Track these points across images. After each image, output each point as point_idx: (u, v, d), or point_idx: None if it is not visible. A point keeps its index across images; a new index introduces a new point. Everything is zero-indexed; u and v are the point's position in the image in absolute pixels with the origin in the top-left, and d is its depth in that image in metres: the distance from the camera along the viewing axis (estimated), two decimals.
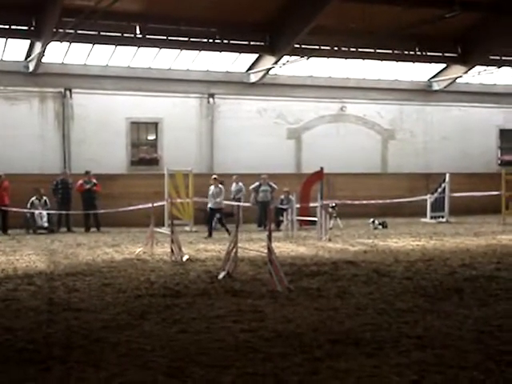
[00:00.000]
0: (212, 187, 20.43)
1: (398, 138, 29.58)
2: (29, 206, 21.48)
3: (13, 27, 22.28)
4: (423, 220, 24.90)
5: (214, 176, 21.10)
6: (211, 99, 26.59)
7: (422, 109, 29.88)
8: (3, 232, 20.87)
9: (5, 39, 22.88)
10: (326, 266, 13.07)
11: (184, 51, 25.09)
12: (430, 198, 25.20)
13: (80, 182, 22.25)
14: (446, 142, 29.83)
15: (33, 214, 21.39)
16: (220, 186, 20.39)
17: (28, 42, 23.22)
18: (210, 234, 19.76)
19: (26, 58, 23.92)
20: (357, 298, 9.75)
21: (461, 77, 28.80)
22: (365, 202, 24.69)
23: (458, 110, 30.26)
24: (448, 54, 27.84)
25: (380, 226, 22.02)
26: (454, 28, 25.24)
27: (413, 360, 6.57)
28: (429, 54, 27.58)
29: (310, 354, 6.80)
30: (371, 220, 22.27)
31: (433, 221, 24.71)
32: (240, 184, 23.40)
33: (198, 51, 25.23)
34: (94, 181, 22.38)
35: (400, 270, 12.62)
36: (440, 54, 27.86)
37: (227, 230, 19.56)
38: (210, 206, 20.33)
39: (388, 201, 25.22)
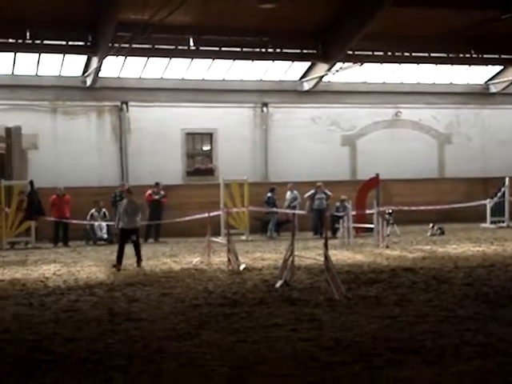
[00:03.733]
0: (124, 200, 15.72)
1: (455, 142, 29.11)
2: (88, 218, 21.89)
3: (70, 43, 22.77)
4: (483, 225, 24.42)
5: (127, 187, 18.06)
6: (265, 108, 26.67)
7: (479, 112, 29.34)
8: (64, 244, 21.32)
9: (62, 55, 23.40)
10: (384, 274, 12.95)
11: (237, 61, 25.25)
12: (489, 203, 24.72)
13: (149, 192, 22.61)
14: (504, 145, 29.20)
15: (92, 225, 21.80)
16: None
17: (85, 57, 23.71)
18: (120, 261, 14.96)
19: (83, 73, 24.43)
20: (416, 306, 9.64)
21: None
22: (422, 207, 24.36)
23: None
24: (505, 55, 27.28)
25: (438, 232, 21.70)
26: (510, 29, 24.73)
27: (475, 368, 6.46)
28: (485, 56, 27.09)
29: (370, 362, 6.75)
30: (431, 225, 21.97)
31: (493, 226, 24.22)
32: (295, 192, 23.38)
33: (250, 61, 25.36)
34: (163, 192, 22.73)
35: (460, 276, 12.42)
36: (497, 56, 27.33)
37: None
38: (121, 225, 15.50)
39: (446, 206, 24.82)
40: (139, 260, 15.32)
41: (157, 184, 22.84)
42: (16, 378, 6.62)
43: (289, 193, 23.42)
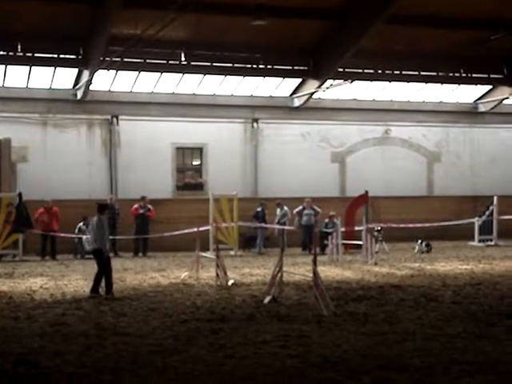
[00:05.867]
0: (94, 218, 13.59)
1: (444, 160, 29.25)
2: (76, 231, 21.80)
3: (61, 56, 22.76)
4: (471, 243, 24.50)
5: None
6: (255, 124, 26.72)
7: (469, 131, 29.51)
8: (52, 257, 21.20)
9: (53, 68, 23.40)
10: (373, 291, 12.96)
11: (228, 77, 25.32)
12: (477, 221, 24.80)
13: (135, 206, 22.51)
14: (493, 164, 29.36)
15: (80, 239, 21.70)
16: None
17: (76, 70, 23.70)
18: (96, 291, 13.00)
19: (74, 86, 24.41)
20: (404, 323, 9.64)
21: (507, 98, 28.41)
22: (411, 225, 24.41)
23: (505, 131, 29.82)
24: (494, 75, 27.51)
25: (425, 248, 21.70)
26: (499, 49, 24.96)
27: None
28: (474, 75, 27.29)
29: (358, 379, 6.73)
30: (419, 241, 21.98)
31: (481, 244, 24.29)
32: (285, 208, 23.37)
33: (242, 77, 25.44)
34: (149, 206, 22.64)
35: (448, 294, 12.44)
36: (486, 76, 27.54)
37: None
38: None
39: (435, 224, 24.88)
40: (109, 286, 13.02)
41: (143, 198, 22.72)
42: None
43: (278, 209, 23.42)
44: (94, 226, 13.26)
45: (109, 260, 13.31)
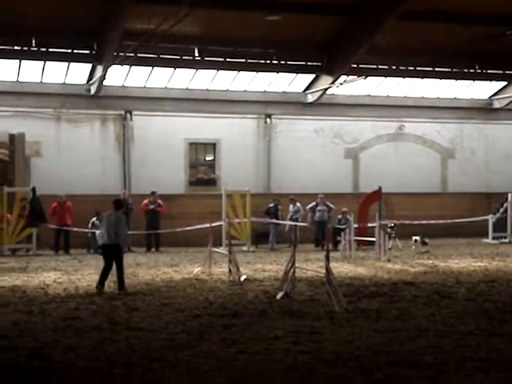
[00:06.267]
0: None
1: (458, 156, 29.11)
2: (90, 226, 21.86)
3: (75, 51, 22.85)
4: (485, 241, 24.36)
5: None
6: (268, 120, 26.70)
7: (483, 127, 29.36)
8: (65, 252, 21.30)
9: (67, 63, 23.48)
10: (385, 287, 12.91)
11: (241, 72, 25.31)
12: (491, 219, 24.66)
13: (145, 201, 22.53)
14: (507, 160, 29.20)
15: (94, 234, 21.75)
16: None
17: (90, 65, 23.77)
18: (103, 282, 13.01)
19: (87, 81, 24.49)
20: (417, 320, 9.59)
21: None
22: (424, 222, 24.30)
23: None
24: (509, 71, 27.31)
25: (423, 249, 20.68)
26: None
27: None
28: (489, 71, 27.14)
29: (370, 376, 6.71)
30: (414, 239, 21.37)
31: (495, 241, 24.15)
32: (298, 204, 23.33)
33: (255, 72, 25.42)
34: (160, 201, 22.64)
35: (462, 291, 12.37)
36: (500, 72, 27.37)
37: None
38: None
39: (448, 221, 24.77)
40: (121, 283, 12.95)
41: (153, 193, 22.71)
42: None
43: (291, 205, 23.39)
44: (112, 222, 13.06)
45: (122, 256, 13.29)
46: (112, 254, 13.08)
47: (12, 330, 9.20)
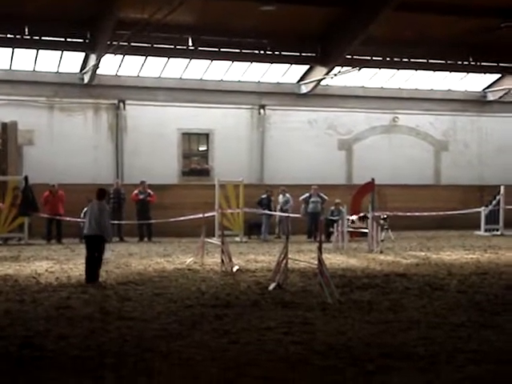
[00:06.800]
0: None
1: (451, 149, 29.14)
2: (82, 215, 21.77)
3: (68, 40, 22.71)
4: (477, 233, 24.44)
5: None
6: (262, 110, 26.65)
7: (477, 119, 29.38)
8: (57, 241, 21.25)
9: (60, 52, 23.34)
10: (378, 279, 12.94)
11: (235, 63, 25.22)
12: (484, 211, 24.74)
13: (135, 192, 22.47)
14: (500, 153, 29.24)
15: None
16: None
17: (83, 54, 23.65)
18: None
19: (80, 70, 24.37)
20: (409, 312, 9.62)
21: None
22: (417, 213, 24.36)
23: None
24: (503, 63, 27.31)
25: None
26: (509, 37, 24.74)
27: (467, 375, 6.46)
28: (483, 63, 27.12)
29: (362, 367, 6.73)
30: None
31: (487, 234, 24.23)
32: (287, 195, 23.34)
33: (249, 63, 25.34)
34: (149, 191, 22.58)
35: (454, 283, 12.42)
36: (495, 64, 27.36)
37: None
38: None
39: (441, 213, 24.83)
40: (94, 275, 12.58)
41: (142, 183, 22.63)
42: (6, 374, 6.58)
43: (281, 196, 23.40)
44: (96, 211, 12.79)
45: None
46: (93, 245, 12.82)
47: (3, 319, 9.19)
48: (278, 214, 23.05)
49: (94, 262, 12.74)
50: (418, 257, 17.09)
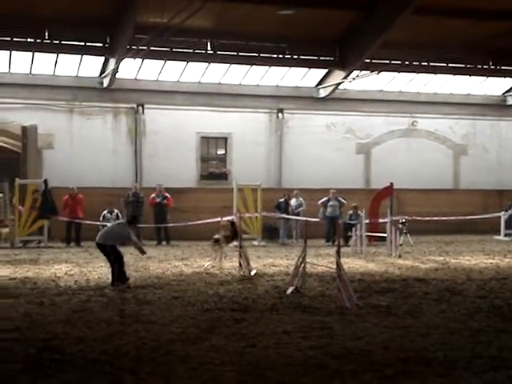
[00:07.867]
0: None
1: (471, 153, 28.97)
2: (101, 218, 21.90)
3: (88, 44, 22.87)
4: (497, 237, 24.26)
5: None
6: (280, 114, 26.66)
7: (496, 124, 29.19)
8: (77, 244, 21.36)
9: (80, 56, 23.52)
10: (396, 283, 12.87)
11: (254, 67, 25.27)
12: (504, 215, 24.55)
13: (152, 195, 22.55)
14: None
15: (105, 226, 21.78)
16: None
17: (102, 58, 23.80)
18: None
19: (100, 74, 24.54)
20: (428, 317, 9.56)
21: None
22: (435, 218, 24.23)
23: None
24: None
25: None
26: None
27: (486, 381, 6.41)
28: (503, 67, 26.93)
29: (381, 372, 6.69)
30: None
31: (507, 238, 24.04)
32: (300, 199, 23.33)
33: (267, 67, 25.37)
34: (166, 194, 22.64)
35: (473, 288, 12.32)
36: None
37: None
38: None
39: (460, 217, 24.67)
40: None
41: (158, 186, 22.70)
42: (25, 377, 6.62)
43: (294, 199, 23.37)
44: (114, 225, 13.65)
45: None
46: (104, 252, 13.16)
47: (23, 321, 9.24)
48: (295, 218, 23.00)
49: (111, 265, 12.95)
50: (436, 261, 16.99)
